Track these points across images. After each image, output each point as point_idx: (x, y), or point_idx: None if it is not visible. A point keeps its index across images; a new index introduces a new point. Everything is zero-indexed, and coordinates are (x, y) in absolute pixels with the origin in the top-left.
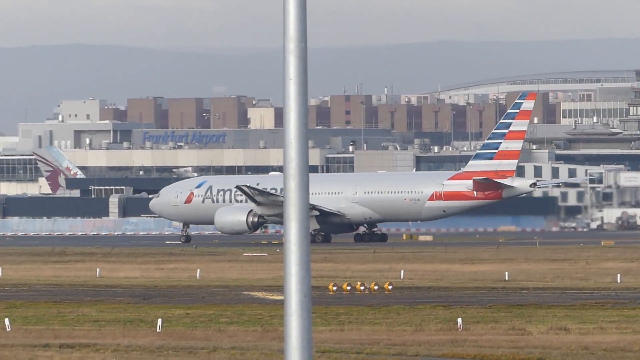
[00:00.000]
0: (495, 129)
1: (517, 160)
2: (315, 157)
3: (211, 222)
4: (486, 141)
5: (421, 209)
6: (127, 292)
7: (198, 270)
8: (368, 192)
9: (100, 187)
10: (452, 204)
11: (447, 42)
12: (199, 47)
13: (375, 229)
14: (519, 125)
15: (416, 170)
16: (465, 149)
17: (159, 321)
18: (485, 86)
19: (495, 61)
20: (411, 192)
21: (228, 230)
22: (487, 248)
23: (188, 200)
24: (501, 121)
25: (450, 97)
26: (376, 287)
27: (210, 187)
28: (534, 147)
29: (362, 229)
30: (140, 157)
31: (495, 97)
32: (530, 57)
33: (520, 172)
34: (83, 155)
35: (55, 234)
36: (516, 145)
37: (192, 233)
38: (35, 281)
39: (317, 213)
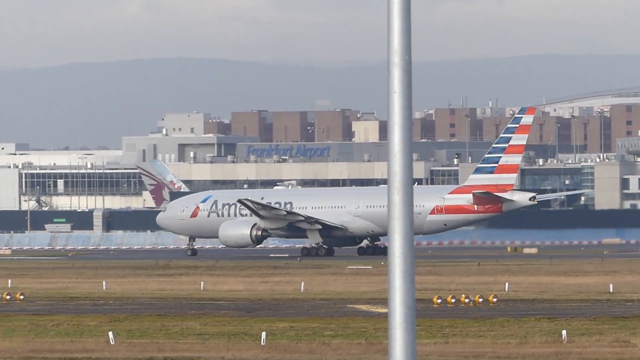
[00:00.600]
0: (495, 144)
1: (516, 174)
2: (420, 170)
3: (216, 236)
4: (486, 155)
5: (423, 222)
6: (232, 305)
7: (302, 283)
8: (370, 206)
9: None
10: (453, 218)
11: (552, 55)
12: (303, 60)
13: (378, 242)
14: (518, 139)
15: (521, 183)
16: (570, 161)
17: (263, 334)
18: (590, 99)
19: (600, 74)
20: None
21: (232, 244)
22: (591, 260)
23: (194, 214)
24: (501, 135)
25: (555, 110)
26: (481, 300)
27: (215, 202)
28: (638, 159)
29: (365, 243)
30: (245, 171)
31: (599, 110)
32: (635, 69)
33: (625, 184)
34: (187, 169)
35: (159, 247)
36: (515, 159)
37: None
38: (139, 295)
39: (320, 227)
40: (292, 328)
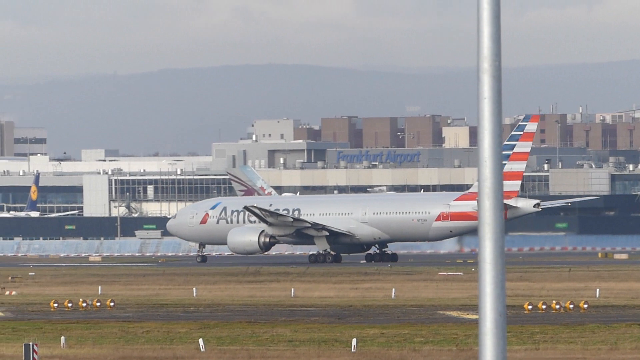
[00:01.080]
0: None
1: (520, 181)
2: None
3: (225, 242)
4: None
5: (428, 229)
6: (322, 312)
7: (393, 289)
8: (377, 213)
9: None
10: (458, 224)
11: None
12: (393, 66)
13: (385, 249)
14: (522, 147)
15: (611, 189)
16: None
17: (354, 341)
18: None
19: None
20: (419, 212)
21: (240, 251)
22: None
23: (203, 221)
24: (505, 143)
25: None
26: (571, 306)
27: (224, 208)
28: None
29: (373, 249)
30: (335, 177)
31: None
32: None
33: None
34: (277, 175)
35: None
36: (520, 166)
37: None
38: (229, 301)
39: (327, 233)
40: (382, 334)
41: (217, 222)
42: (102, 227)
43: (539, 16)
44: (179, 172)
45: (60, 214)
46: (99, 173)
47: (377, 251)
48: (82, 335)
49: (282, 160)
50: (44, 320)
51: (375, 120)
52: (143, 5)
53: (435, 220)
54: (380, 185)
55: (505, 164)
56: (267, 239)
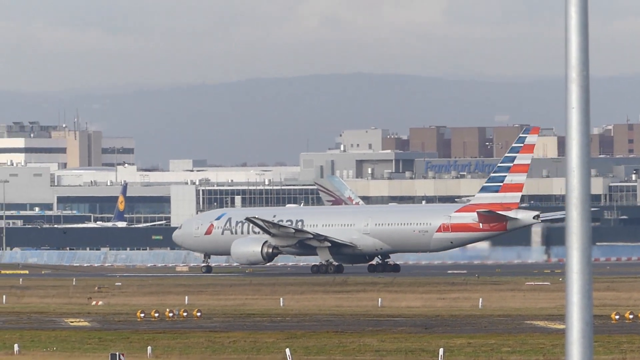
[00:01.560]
0: (500, 163)
1: (521, 193)
2: (598, 186)
3: (230, 253)
4: (492, 174)
5: (429, 240)
6: (409, 321)
7: (480, 299)
8: (379, 224)
9: None
10: (459, 236)
11: None
12: (482, 75)
13: (388, 260)
14: (523, 159)
15: None
16: None
17: (441, 351)
18: None
19: None
20: (420, 223)
21: (244, 261)
22: None
23: (208, 232)
24: (506, 155)
25: None
26: None
27: (229, 219)
28: None
29: (376, 260)
30: (423, 187)
31: None
32: None
33: None
34: (365, 185)
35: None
36: (520, 178)
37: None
38: (316, 311)
39: (329, 244)
40: (469, 344)
41: (222, 233)
42: None
43: (627, 25)
44: (266, 182)
45: (147, 224)
46: (186, 183)
47: (380, 262)
48: (168, 345)
49: (370, 171)
50: (131, 330)
51: (463, 130)
52: (231, 14)
53: (436, 232)
54: (468, 196)
55: (505, 176)
56: (270, 250)
